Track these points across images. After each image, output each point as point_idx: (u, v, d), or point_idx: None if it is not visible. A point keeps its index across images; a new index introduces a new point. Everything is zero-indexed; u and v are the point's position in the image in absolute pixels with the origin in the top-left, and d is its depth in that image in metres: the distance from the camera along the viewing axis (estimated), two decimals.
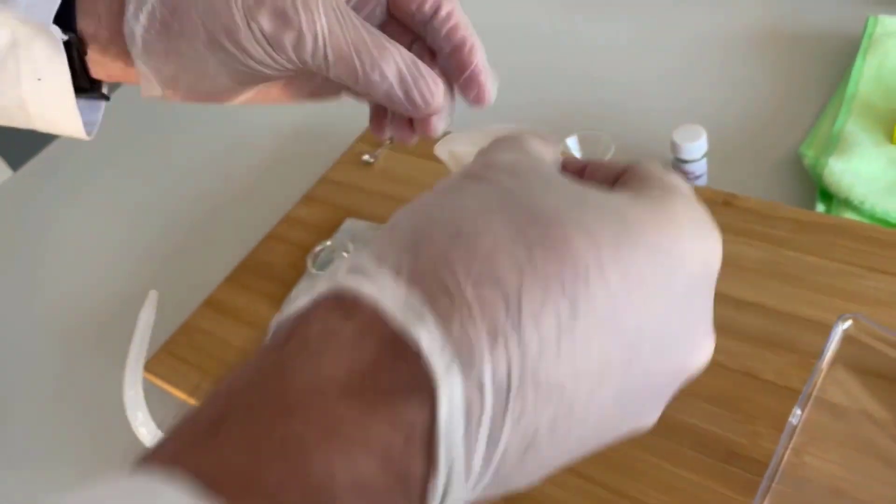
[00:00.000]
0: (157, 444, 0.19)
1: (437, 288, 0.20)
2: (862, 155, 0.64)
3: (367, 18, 0.36)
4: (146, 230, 0.90)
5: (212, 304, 0.73)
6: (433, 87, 0.34)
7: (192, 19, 0.33)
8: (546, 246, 0.20)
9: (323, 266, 0.72)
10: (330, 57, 0.33)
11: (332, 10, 0.33)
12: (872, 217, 0.61)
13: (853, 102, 0.70)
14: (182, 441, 0.19)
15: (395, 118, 0.39)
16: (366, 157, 0.82)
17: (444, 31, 0.35)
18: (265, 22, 0.32)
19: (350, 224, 0.76)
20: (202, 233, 0.87)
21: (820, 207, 0.63)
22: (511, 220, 0.21)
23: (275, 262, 0.75)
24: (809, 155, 0.67)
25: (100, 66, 0.38)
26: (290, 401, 0.19)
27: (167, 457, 0.18)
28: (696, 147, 0.66)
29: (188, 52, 0.34)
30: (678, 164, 0.68)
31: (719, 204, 0.64)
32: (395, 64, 0.33)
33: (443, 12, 0.35)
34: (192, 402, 0.66)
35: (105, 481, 0.17)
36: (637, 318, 0.21)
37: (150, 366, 0.68)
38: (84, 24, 0.36)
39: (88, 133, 0.40)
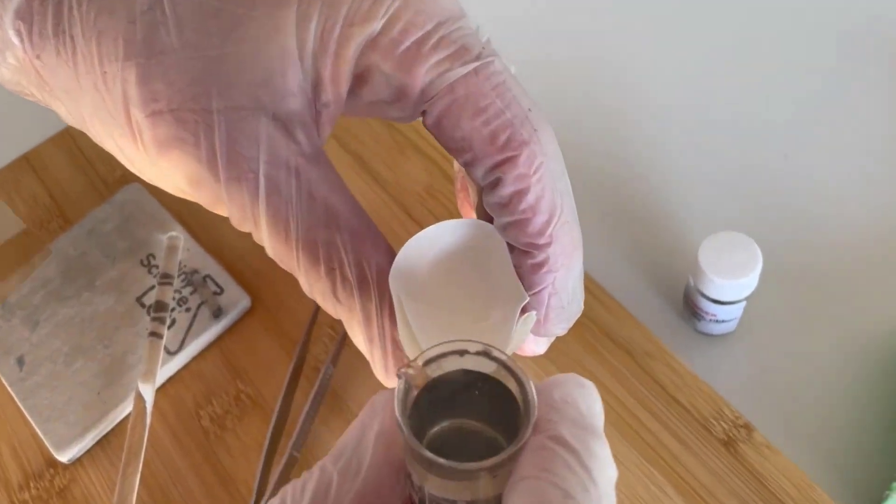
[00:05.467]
0: None
1: None
2: None
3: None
4: None
5: None
6: (381, 371, 0.24)
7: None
8: None
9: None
10: (269, 251, 0.23)
11: (290, 195, 0.22)
12: None
13: None
14: None
15: None
16: None
17: (507, 220, 0.23)
18: (178, 180, 0.23)
19: (130, 194, 0.48)
20: None
21: None
22: None
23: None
24: None
25: None
26: None
27: None
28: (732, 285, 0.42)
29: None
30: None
31: (717, 441, 0.40)
32: (353, 318, 0.23)
33: (507, 189, 0.23)
34: None
35: None
36: None
37: None
38: None
39: None
